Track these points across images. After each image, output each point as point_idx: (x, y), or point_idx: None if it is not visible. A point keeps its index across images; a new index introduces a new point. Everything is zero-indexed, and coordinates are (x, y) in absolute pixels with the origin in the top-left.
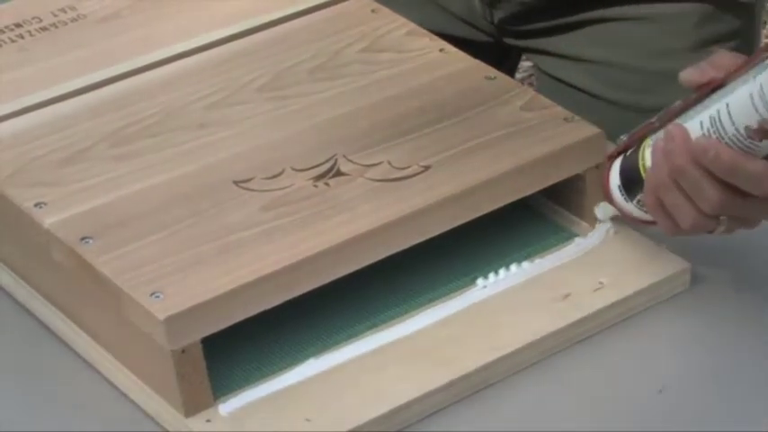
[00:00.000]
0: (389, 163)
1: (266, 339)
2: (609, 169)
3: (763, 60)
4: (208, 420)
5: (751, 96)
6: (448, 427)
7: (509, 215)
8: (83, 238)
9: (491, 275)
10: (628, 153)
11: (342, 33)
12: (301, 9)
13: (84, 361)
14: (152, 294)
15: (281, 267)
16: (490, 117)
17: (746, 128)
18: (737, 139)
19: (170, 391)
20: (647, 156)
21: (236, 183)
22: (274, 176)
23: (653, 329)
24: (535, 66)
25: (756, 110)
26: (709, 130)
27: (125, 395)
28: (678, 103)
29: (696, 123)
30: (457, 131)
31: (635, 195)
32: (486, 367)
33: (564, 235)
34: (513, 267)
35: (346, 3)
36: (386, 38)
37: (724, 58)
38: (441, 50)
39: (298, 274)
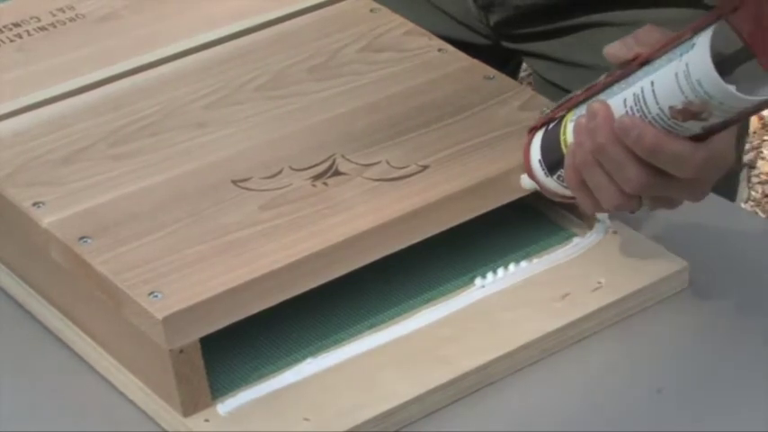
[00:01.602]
0: (388, 162)
1: (265, 339)
2: (530, 142)
3: (691, 39)
4: (206, 420)
5: (676, 76)
6: (446, 426)
7: (507, 215)
8: (81, 238)
9: (490, 275)
10: (550, 126)
11: (340, 33)
12: (300, 8)
13: (83, 360)
14: (150, 294)
15: (279, 267)
16: (489, 117)
17: (671, 108)
18: (661, 119)
19: (168, 391)
20: (569, 131)
21: (234, 182)
22: (273, 176)
23: (651, 329)
24: (532, 69)
25: (681, 90)
26: (632, 108)
27: (123, 395)
28: (603, 77)
29: (620, 100)
30: (455, 131)
31: (555, 170)
32: (484, 367)
33: (562, 235)
34: (512, 267)
35: (345, 2)
36: (384, 37)
37: (652, 33)
38: (439, 50)
39: (296, 274)
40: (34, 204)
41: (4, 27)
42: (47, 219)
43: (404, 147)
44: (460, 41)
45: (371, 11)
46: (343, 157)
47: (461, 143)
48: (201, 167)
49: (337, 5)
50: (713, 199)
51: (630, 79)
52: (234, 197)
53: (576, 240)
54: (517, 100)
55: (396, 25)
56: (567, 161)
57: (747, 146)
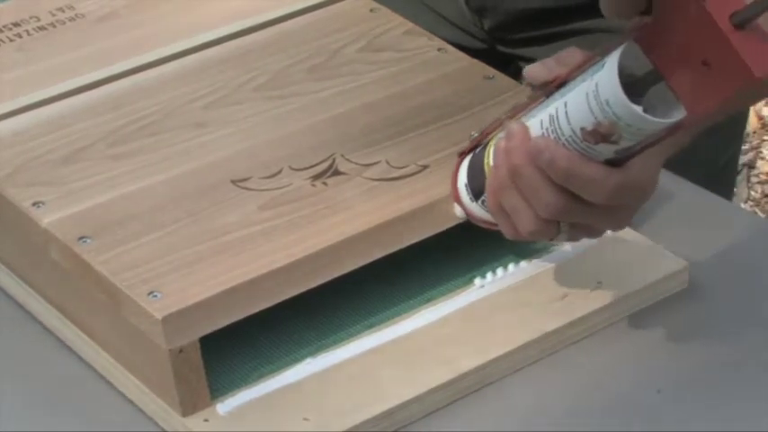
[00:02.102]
0: (387, 162)
1: (264, 339)
2: (458, 166)
3: (603, 59)
4: (205, 420)
5: (587, 96)
6: (446, 426)
7: None
8: (81, 238)
9: (489, 275)
10: (477, 150)
11: (340, 33)
12: (299, 8)
13: (82, 360)
14: (150, 294)
15: (278, 267)
16: (488, 117)
17: (582, 129)
18: (574, 141)
19: (168, 391)
20: (491, 154)
21: (233, 182)
22: (272, 176)
23: (651, 329)
24: None
25: (591, 111)
26: (547, 130)
27: (122, 394)
28: (526, 99)
29: (537, 122)
30: (455, 131)
31: (480, 195)
32: (484, 367)
33: None
34: (511, 267)
35: (344, 2)
36: (384, 37)
37: (574, 55)
38: (439, 50)
39: (296, 274)
40: (34, 204)
41: (4, 27)
42: (46, 218)
43: (403, 147)
44: (458, 45)
45: (371, 11)
46: (342, 156)
47: (461, 143)
48: (201, 167)
49: (337, 5)
50: (712, 199)
51: (549, 101)
52: (233, 197)
53: None
54: (516, 100)
55: (395, 25)
56: (487, 184)
57: (747, 146)
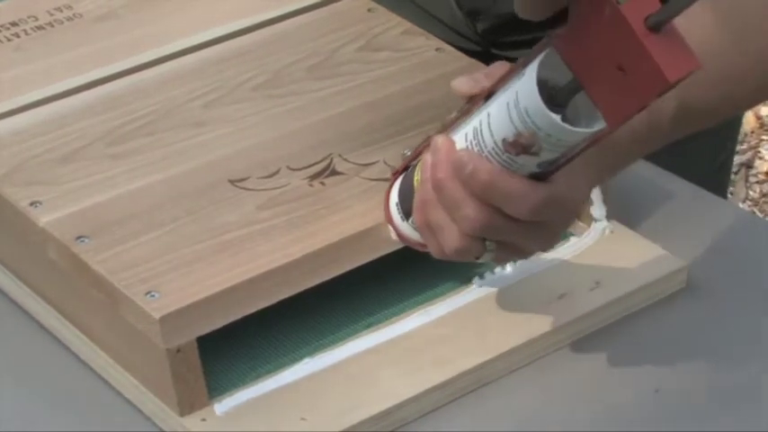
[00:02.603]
0: (385, 162)
1: (262, 338)
2: (391, 186)
3: (524, 68)
4: (203, 420)
5: (507, 106)
6: (444, 426)
7: None
8: (78, 237)
9: (487, 275)
10: (409, 169)
11: (338, 32)
12: (298, 8)
13: (79, 360)
14: (147, 293)
15: (276, 266)
16: None
17: (503, 140)
18: (496, 153)
19: (165, 391)
20: (420, 170)
21: (231, 182)
22: (270, 175)
23: (649, 329)
24: None
25: (512, 121)
26: (471, 143)
27: (120, 394)
28: (454, 114)
29: (462, 135)
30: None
31: (410, 214)
32: (481, 367)
33: None
34: (509, 267)
35: (343, 2)
36: (382, 37)
37: (502, 69)
38: (437, 50)
39: (293, 273)
40: (31, 204)
41: (2, 26)
42: (44, 218)
43: (401, 147)
44: (453, 47)
45: (369, 10)
46: (340, 156)
47: None
48: (199, 167)
49: (335, 5)
50: (711, 199)
51: (475, 114)
52: (231, 197)
53: (573, 240)
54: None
55: (393, 24)
56: (414, 201)
57: (745, 146)
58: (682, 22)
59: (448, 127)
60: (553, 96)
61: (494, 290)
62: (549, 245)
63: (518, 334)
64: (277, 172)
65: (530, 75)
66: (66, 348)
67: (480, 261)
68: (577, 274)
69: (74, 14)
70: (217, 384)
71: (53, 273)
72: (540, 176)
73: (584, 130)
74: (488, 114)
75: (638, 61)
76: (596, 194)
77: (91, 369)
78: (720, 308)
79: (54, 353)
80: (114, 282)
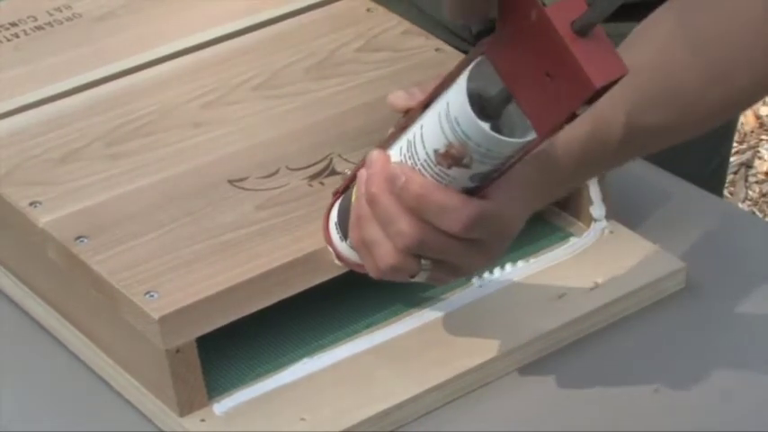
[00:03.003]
0: None
1: (261, 339)
2: (331, 206)
3: (457, 77)
4: (202, 420)
5: (439, 117)
6: (443, 426)
7: None
8: (78, 238)
9: (486, 274)
10: (349, 188)
11: (337, 32)
12: (297, 8)
13: (79, 360)
14: (146, 294)
15: (275, 266)
16: None
17: (435, 152)
18: (429, 166)
19: (165, 391)
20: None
21: (230, 182)
22: (269, 176)
23: (648, 329)
24: None
25: (443, 131)
26: (405, 156)
27: (120, 395)
28: (391, 129)
29: (397, 149)
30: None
31: (348, 234)
32: (480, 367)
33: (559, 234)
34: (509, 267)
35: (342, 2)
36: (381, 37)
37: (438, 80)
38: (437, 50)
39: (292, 274)
40: (31, 204)
41: (1, 26)
42: (43, 218)
43: None
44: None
45: (368, 10)
46: (339, 156)
47: None
48: (198, 167)
49: (334, 5)
50: (710, 199)
51: (409, 127)
52: (230, 197)
53: (573, 240)
54: None
55: (393, 25)
56: (350, 218)
57: (744, 145)
58: (639, 39)
59: (386, 142)
60: (485, 106)
61: (493, 290)
62: (485, 265)
63: (518, 334)
64: (276, 172)
65: (460, 84)
66: (66, 349)
67: (416, 280)
68: (577, 275)
69: (73, 14)
70: (216, 384)
71: (53, 273)
72: (474, 191)
73: (513, 140)
74: (421, 126)
75: (565, 66)
76: (596, 194)
77: (90, 369)
78: (719, 308)
79: (53, 353)
80: (113, 282)
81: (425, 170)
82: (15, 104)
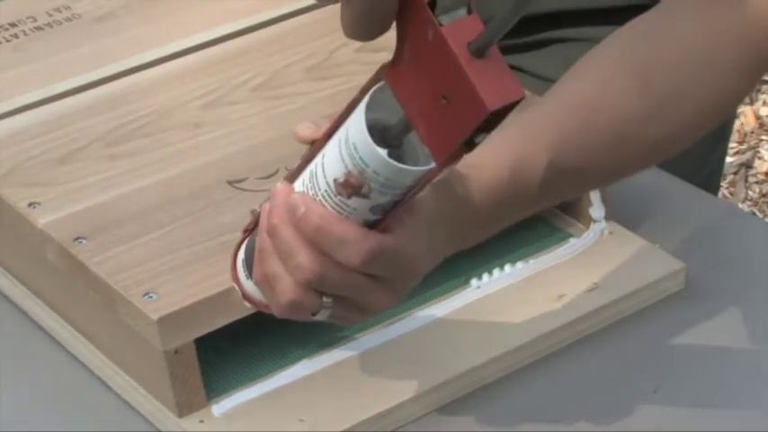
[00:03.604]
0: None
1: (260, 340)
2: (239, 244)
3: (359, 102)
4: (201, 421)
5: (339, 144)
6: (442, 426)
7: None
8: (76, 239)
9: (485, 276)
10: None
11: (337, 33)
12: (296, 9)
13: (78, 361)
14: (145, 295)
15: None
16: None
17: (335, 181)
18: (329, 196)
19: (163, 392)
20: None
21: (230, 183)
22: (269, 176)
23: (647, 330)
24: None
25: (342, 159)
26: (307, 187)
27: (118, 395)
28: (299, 161)
29: (300, 181)
30: None
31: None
32: (479, 368)
33: (558, 235)
34: (508, 268)
35: (341, 2)
36: (381, 37)
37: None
38: None
39: None
40: (30, 205)
41: (1, 27)
42: (42, 219)
43: None
44: None
45: None
46: None
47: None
48: (197, 168)
49: (333, 6)
50: (710, 199)
51: (314, 158)
52: (229, 198)
53: (572, 241)
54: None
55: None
56: (255, 253)
57: (744, 146)
58: (580, 71)
59: (291, 175)
60: (385, 134)
61: (493, 290)
62: (390, 304)
63: (517, 335)
64: (276, 173)
65: (360, 110)
66: (65, 349)
67: (318, 319)
68: (576, 275)
69: (72, 15)
70: (215, 385)
71: (51, 274)
72: (376, 224)
73: (410, 168)
74: (323, 156)
75: (459, 89)
76: (595, 195)
77: (89, 370)
78: (719, 309)
79: (52, 354)
80: (112, 283)
81: (326, 201)
82: (15, 105)
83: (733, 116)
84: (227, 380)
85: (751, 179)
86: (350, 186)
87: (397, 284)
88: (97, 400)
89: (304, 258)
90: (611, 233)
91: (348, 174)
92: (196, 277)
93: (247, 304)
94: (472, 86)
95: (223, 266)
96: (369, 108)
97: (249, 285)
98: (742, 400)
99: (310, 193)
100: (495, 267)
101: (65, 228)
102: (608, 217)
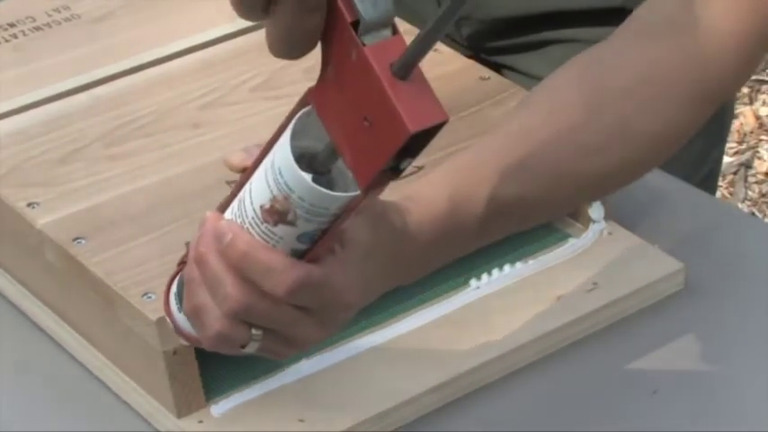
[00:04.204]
0: None
1: None
2: (173, 277)
3: (282, 132)
4: (200, 421)
5: (266, 169)
6: (441, 427)
7: None
8: (75, 239)
9: (484, 276)
10: None
11: None
12: None
13: (77, 361)
14: (144, 295)
15: None
16: (484, 117)
17: (261, 207)
18: (256, 224)
19: (162, 392)
20: None
21: (229, 183)
22: None
23: (647, 330)
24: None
25: (268, 184)
26: (236, 215)
27: (117, 396)
28: (230, 191)
29: (230, 210)
30: (451, 132)
31: None
32: (479, 368)
33: (557, 236)
34: (507, 268)
35: None
36: None
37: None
38: (435, 50)
39: None
40: (28, 205)
41: (0, 27)
42: (41, 219)
43: None
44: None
45: None
46: None
47: (456, 144)
48: (196, 168)
49: None
50: (709, 199)
51: (242, 186)
52: None
53: (571, 241)
54: (513, 100)
55: None
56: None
57: (744, 146)
58: (533, 100)
59: (222, 204)
60: (312, 160)
61: (492, 291)
62: (318, 336)
63: (516, 335)
64: None
65: (286, 135)
66: (64, 350)
67: (246, 352)
68: (575, 276)
69: (72, 15)
70: (213, 386)
71: (50, 274)
72: (304, 254)
73: (335, 194)
74: (251, 183)
75: (382, 110)
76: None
77: (88, 370)
78: (718, 309)
79: (51, 354)
80: (111, 283)
81: (253, 228)
82: (14, 105)
83: (731, 116)
84: (226, 380)
85: (750, 179)
86: (275, 213)
87: (326, 317)
88: (95, 401)
89: (230, 288)
90: (610, 233)
91: (273, 199)
92: None
93: (179, 338)
94: (394, 108)
95: None
96: (294, 133)
97: (180, 318)
98: (742, 400)
99: (238, 221)
100: (494, 268)
101: (64, 228)
102: (607, 217)
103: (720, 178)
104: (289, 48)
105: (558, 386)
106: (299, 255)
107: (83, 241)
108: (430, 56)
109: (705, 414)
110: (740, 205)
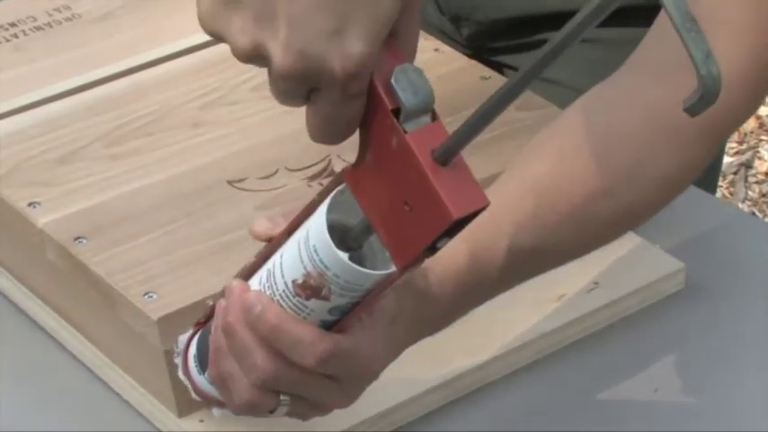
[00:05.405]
0: None
1: None
2: (192, 337)
3: (319, 204)
4: (201, 421)
5: (299, 245)
6: (442, 427)
7: None
8: (76, 238)
9: None
10: (211, 319)
11: None
12: None
13: (78, 361)
14: (145, 294)
15: None
16: None
17: (293, 282)
18: (287, 297)
19: (163, 392)
20: None
21: (230, 182)
22: (268, 176)
23: (647, 330)
24: None
25: (302, 260)
26: (264, 286)
27: (118, 395)
28: (253, 258)
29: (257, 279)
30: (450, 131)
31: (207, 367)
32: (480, 367)
33: None
34: None
35: None
36: None
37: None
38: (435, 50)
39: None
40: (30, 205)
41: (1, 27)
42: (42, 219)
43: None
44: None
45: None
46: (338, 157)
47: None
48: (197, 168)
49: None
50: (709, 199)
51: (271, 256)
52: (229, 197)
53: None
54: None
55: None
56: (210, 351)
57: (744, 146)
58: (539, 147)
59: (246, 272)
60: (345, 237)
61: None
62: (346, 402)
63: (517, 335)
64: (275, 173)
65: (320, 212)
66: (65, 349)
67: (275, 416)
68: (576, 276)
69: (72, 15)
70: None
71: (51, 273)
72: (333, 325)
73: (373, 272)
74: (281, 255)
75: (423, 195)
76: None
77: (89, 370)
78: (719, 309)
79: (52, 354)
80: (112, 283)
81: (284, 301)
82: (15, 105)
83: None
84: None
85: (751, 179)
86: (309, 288)
87: (353, 384)
88: (97, 400)
89: (259, 359)
90: None
91: (307, 275)
92: (196, 277)
93: (195, 396)
94: (437, 195)
95: (223, 266)
96: (330, 210)
97: (201, 380)
98: (742, 400)
99: (268, 292)
100: None
101: (65, 227)
102: None
103: (720, 178)
104: (330, 135)
105: (559, 386)
106: (327, 325)
107: (84, 241)
108: (430, 56)
109: (705, 413)
110: (740, 205)
